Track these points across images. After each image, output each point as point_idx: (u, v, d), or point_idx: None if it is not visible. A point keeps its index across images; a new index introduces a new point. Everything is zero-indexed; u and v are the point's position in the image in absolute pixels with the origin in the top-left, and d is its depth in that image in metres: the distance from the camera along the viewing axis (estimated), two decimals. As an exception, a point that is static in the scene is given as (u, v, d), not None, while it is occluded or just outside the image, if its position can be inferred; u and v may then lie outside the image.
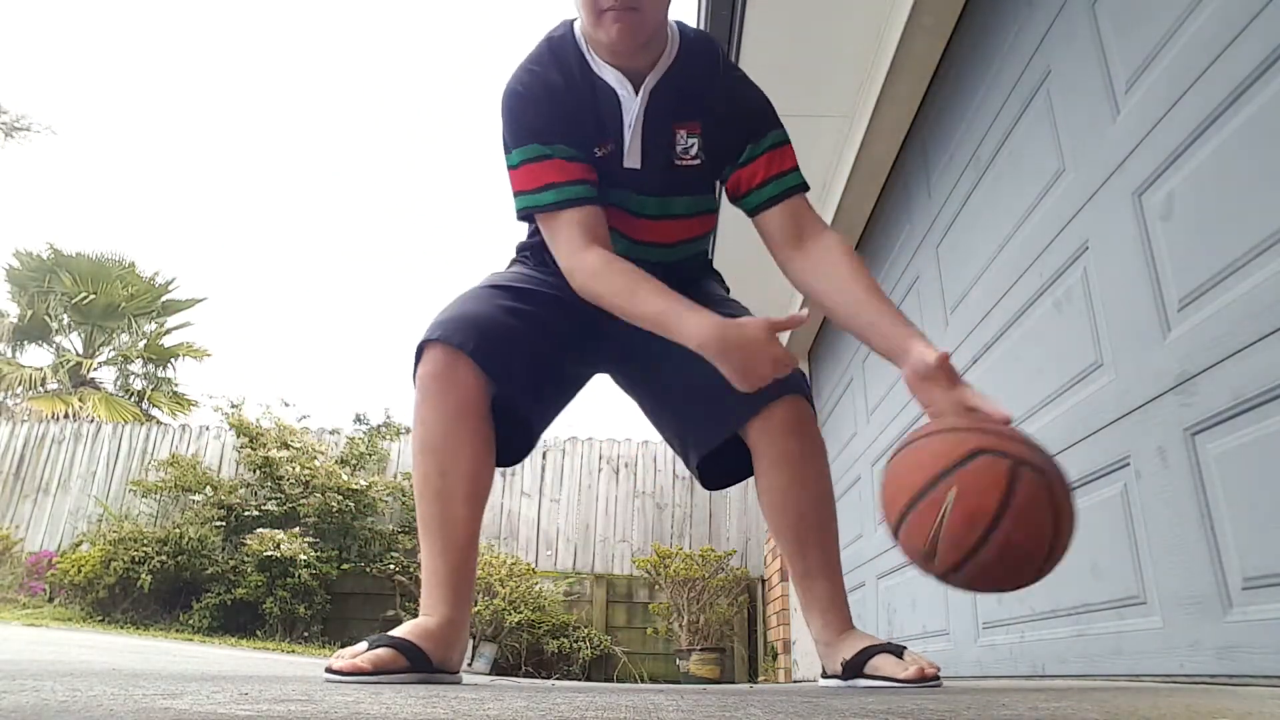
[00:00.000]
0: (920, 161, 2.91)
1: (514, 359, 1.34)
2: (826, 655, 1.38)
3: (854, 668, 1.29)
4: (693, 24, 3.08)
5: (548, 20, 1.44)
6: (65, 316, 10.83)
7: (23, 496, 7.30)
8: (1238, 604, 1.30)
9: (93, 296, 10.54)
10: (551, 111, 1.34)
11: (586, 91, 1.35)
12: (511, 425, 1.41)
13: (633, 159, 1.37)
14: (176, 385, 11.38)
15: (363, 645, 1.19)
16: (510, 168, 1.36)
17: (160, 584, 5.94)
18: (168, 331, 11.40)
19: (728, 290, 1.63)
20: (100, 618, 5.86)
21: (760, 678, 5.50)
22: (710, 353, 1.20)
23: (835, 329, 4.17)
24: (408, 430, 7.55)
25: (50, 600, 6.29)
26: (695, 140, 1.39)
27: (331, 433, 7.50)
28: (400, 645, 1.20)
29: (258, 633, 5.89)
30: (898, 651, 1.28)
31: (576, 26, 1.38)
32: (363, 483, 6.60)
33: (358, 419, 7.56)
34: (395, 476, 7.05)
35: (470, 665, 5.68)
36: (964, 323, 2.46)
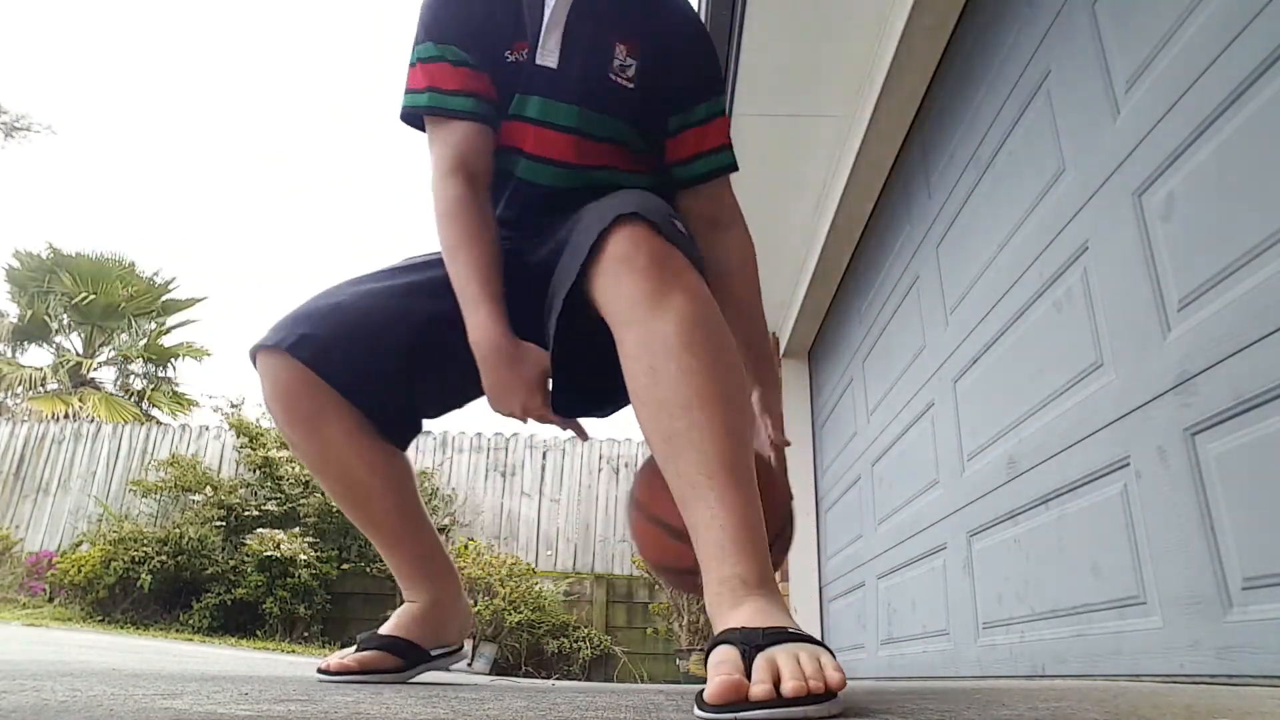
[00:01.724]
0: (920, 161, 2.91)
1: (355, 344, 1.17)
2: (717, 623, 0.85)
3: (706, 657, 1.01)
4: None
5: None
6: (65, 316, 10.83)
7: (23, 496, 7.30)
8: (1238, 604, 1.30)
9: (93, 296, 10.54)
10: (459, 10, 1.20)
11: None
12: (391, 407, 1.24)
13: (548, 56, 1.20)
14: (176, 385, 11.38)
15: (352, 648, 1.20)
16: (409, 65, 1.21)
17: (160, 584, 5.94)
18: (167, 331, 11.40)
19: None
20: (100, 618, 5.86)
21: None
22: (477, 356, 1.09)
23: (835, 330, 4.18)
24: (408, 430, 7.56)
25: (50, 600, 6.29)
26: (634, 63, 1.24)
27: (331, 433, 7.49)
28: (389, 645, 1.20)
29: (258, 633, 5.89)
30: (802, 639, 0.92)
31: None
32: (363, 483, 6.59)
33: (358, 419, 7.55)
34: (395, 476, 7.05)
35: (470, 665, 5.68)
36: (964, 323, 2.46)
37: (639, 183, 1.23)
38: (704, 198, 1.29)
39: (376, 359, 1.19)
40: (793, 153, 3.36)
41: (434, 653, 1.27)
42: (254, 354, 1.18)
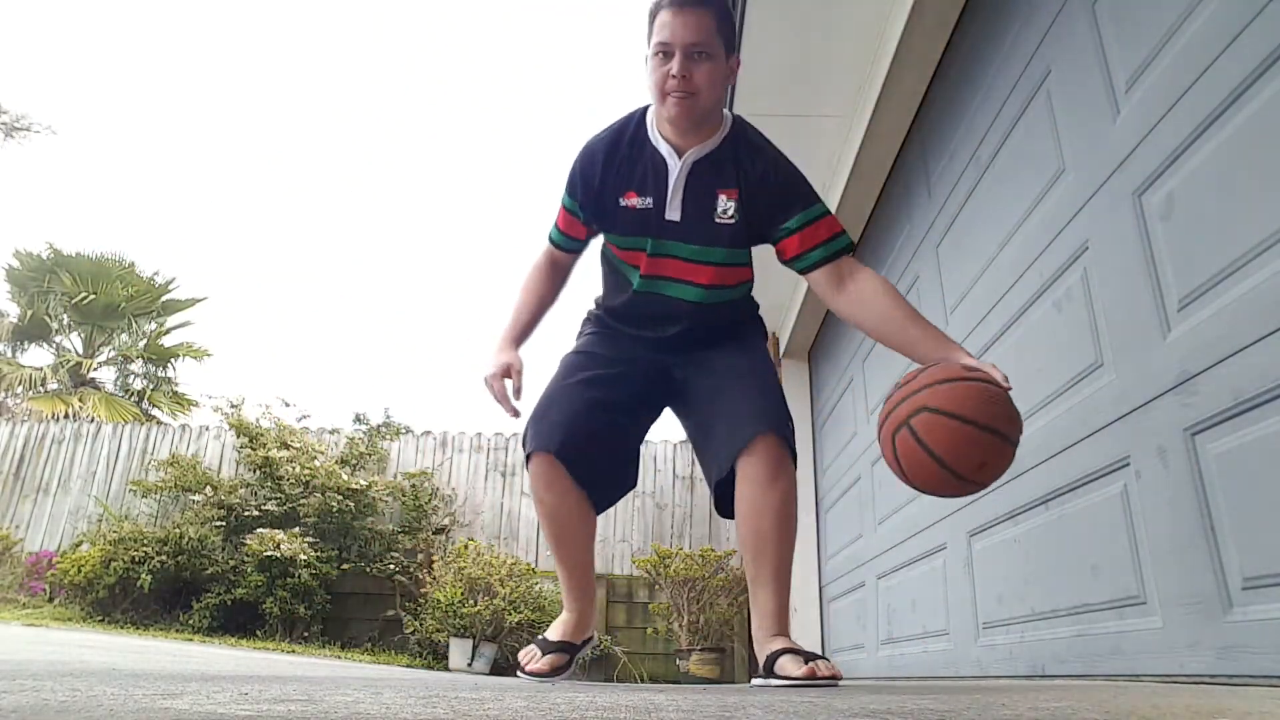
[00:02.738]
0: (920, 161, 2.91)
1: (594, 455, 1.78)
2: (758, 653, 1.67)
3: (766, 667, 1.59)
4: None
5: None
6: (65, 316, 10.83)
7: (23, 496, 7.30)
8: (1238, 604, 1.30)
9: (93, 296, 10.54)
10: (589, 180, 1.75)
11: (634, 155, 1.73)
12: (602, 486, 1.85)
13: (673, 212, 1.71)
14: (176, 385, 11.38)
15: (534, 650, 1.84)
16: (561, 202, 1.86)
17: (160, 584, 5.94)
18: (167, 331, 11.40)
19: (765, 336, 1.97)
20: (100, 618, 5.86)
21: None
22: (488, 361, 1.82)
23: (835, 330, 4.17)
24: (407, 430, 7.56)
25: (50, 600, 6.29)
26: (733, 204, 1.71)
27: (331, 433, 7.49)
28: (561, 647, 1.84)
29: (258, 633, 5.89)
30: (805, 656, 1.55)
31: (650, 110, 1.74)
32: (363, 483, 6.59)
33: (358, 419, 7.56)
34: (395, 476, 7.05)
35: (470, 665, 5.68)
36: (964, 323, 2.46)
37: (724, 296, 1.83)
38: (826, 272, 1.70)
39: (600, 465, 1.81)
40: (793, 153, 3.34)
41: (580, 644, 1.90)
42: (530, 454, 1.77)
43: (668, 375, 1.85)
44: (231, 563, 6.17)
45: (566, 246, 1.88)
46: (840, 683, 1.51)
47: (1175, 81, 1.50)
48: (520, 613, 5.83)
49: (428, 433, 7.55)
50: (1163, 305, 1.52)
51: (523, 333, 1.87)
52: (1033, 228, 2.04)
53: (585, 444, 1.75)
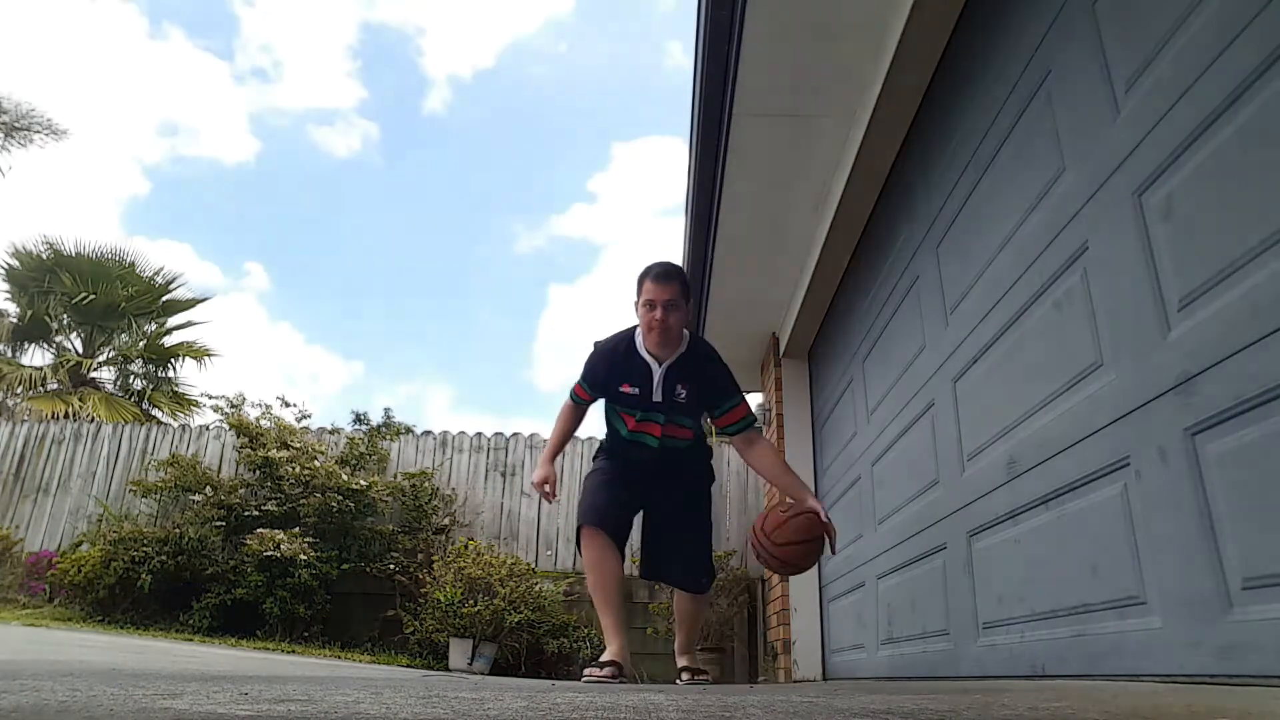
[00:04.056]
0: (920, 161, 2.91)
1: (620, 521, 2.91)
2: (677, 663, 3.17)
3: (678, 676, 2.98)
4: (693, 26, 3.06)
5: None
6: (65, 316, 10.83)
7: (23, 496, 7.30)
8: (1238, 604, 1.30)
9: (93, 296, 10.53)
10: (599, 373, 2.89)
11: (629, 360, 2.81)
12: (621, 539, 2.92)
13: (657, 398, 2.80)
14: (177, 385, 11.37)
15: (593, 669, 2.63)
16: (577, 381, 2.99)
17: (160, 584, 5.94)
18: (168, 331, 11.39)
19: (712, 479, 3.18)
20: (100, 618, 5.86)
21: (760, 678, 5.49)
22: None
23: (835, 330, 4.17)
24: (407, 430, 7.56)
25: (50, 600, 6.29)
26: (685, 391, 2.80)
27: (331, 433, 7.50)
28: (614, 663, 2.63)
29: (258, 633, 5.88)
30: (693, 672, 3.05)
31: (636, 332, 2.83)
32: (363, 483, 6.59)
33: (358, 419, 7.56)
34: (395, 476, 7.05)
35: (470, 665, 5.68)
36: (964, 323, 2.46)
37: (691, 448, 3.02)
38: (741, 438, 2.87)
39: (621, 529, 2.91)
40: (793, 153, 3.36)
41: (624, 667, 2.69)
42: (581, 526, 2.86)
43: (649, 487, 2.98)
44: (231, 563, 6.17)
45: (581, 404, 3.02)
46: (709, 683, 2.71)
47: (1175, 81, 1.50)
48: (520, 613, 5.83)
49: (428, 433, 7.55)
50: (1163, 305, 1.52)
51: (554, 453, 3.01)
52: (1033, 228, 2.04)
53: (614, 518, 2.87)
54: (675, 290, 2.71)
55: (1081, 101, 1.84)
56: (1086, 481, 1.76)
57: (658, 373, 2.77)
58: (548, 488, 2.91)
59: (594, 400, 2.99)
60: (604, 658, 2.66)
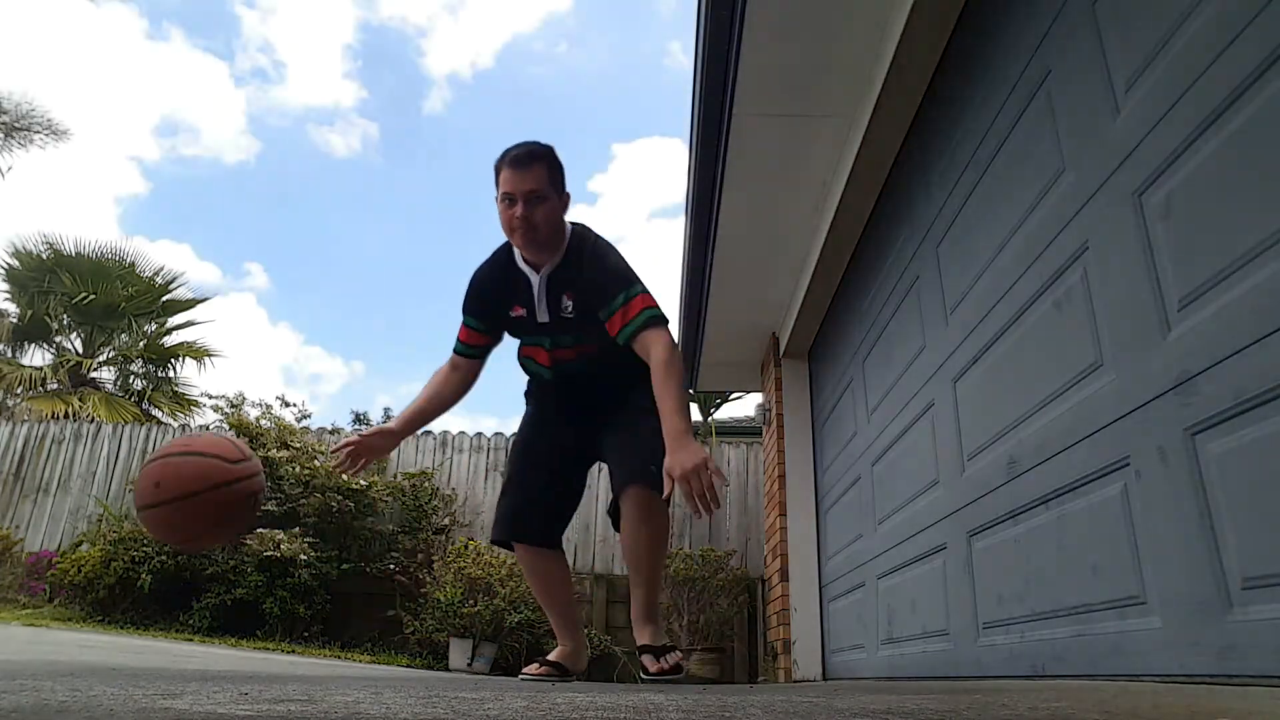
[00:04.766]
0: (920, 161, 2.91)
1: (543, 519, 2.45)
2: (635, 636, 2.35)
3: (638, 653, 2.27)
4: (693, 26, 3.05)
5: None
6: (65, 316, 10.82)
7: (23, 496, 7.30)
8: (1238, 604, 1.30)
9: (93, 296, 10.53)
10: (478, 302, 2.36)
11: (509, 278, 2.30)
12: (560, 530, 2.51)
13: (542, 316, 2.29)
14: (177, 385, 11.37)
15: (535, 665, 2.37)
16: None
17: (160, 584, 5.94)
18: (168, 331, 11.39)
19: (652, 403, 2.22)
20: (100, 618, 5.86)
21: (760, 678, 5.49)
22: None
23: (835, 330, 4.17)
24: (408, 430, 7.55)
25: (50, 600, 6.29)
26: (571, 302, 2.26)
27: (331, 432, 7.49)
28: (558, 666, 2.35)
29: (258, 633, 5.88)
30: (657, 651, 2.23)
31: None
32: (363, 483, 6.59)
33: (357, 419, 7.56)
34: (395, 476, 7.05)
35: (470, 665, 5.68)
36: (964, 323, 2.46)
37: (608, 370, 2.35)
38: (637, 344, 2.16)
39: (555, 523, 2.48)
40: (793, 153, 3.36)
41: (572, 671, 2.39)
42: (500, 541, 2.48)
43: (589, 428, 2.41)
44: (231, 563, 6.17)
45: (466, 353, 2.43)
46: (681, 672, 2.23)
47: (1175, 81, 1.50)
48: (520, 613, 5.83)
49: (428, 433, 7.55)
50: (1163, 305, 1.52)
51: (409, 421, 2.42)
52: (1033, 228, 2.04)
53: (540, 521, 2.43)
54: (540, 177, 2.13)
55: (1081, 101, 1.84)
56: (1086, 481, 1.76)
57: (537, 284, 2.23)
58: (348, 454, 2.26)
59: (485, 344, 2.39)
60: (550, 656, 2.41)
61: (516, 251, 2.25)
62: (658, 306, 2.18)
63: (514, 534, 2.38)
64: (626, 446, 2.26)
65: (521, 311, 2.27)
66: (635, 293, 2.16)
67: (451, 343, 2.45)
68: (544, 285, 2.23)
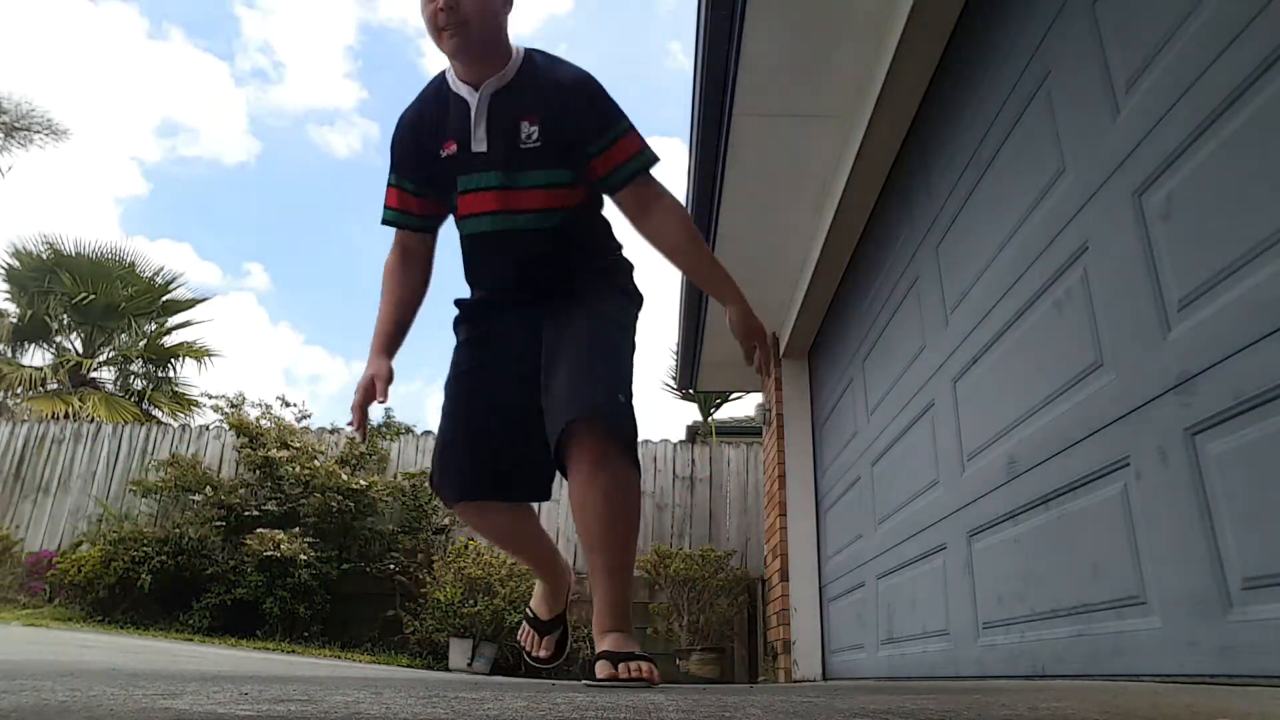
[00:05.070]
0: (920, 161, 2.91)
1: (505, 470, 1.79)
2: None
3: (592, 668, 1.58)
4: (693, 26, 3.05)
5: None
6: (65, 316, 10.82)
7: (23, 496, 7.30)
8: (1238, 604, 1.30)
9: (93, 296, 10.52)
10: (406, 146, 1.79)
11: (441, 108, 1.75)
12: (526, 484, 1.83)
13: (479, 145, 1.71)
14: (177, 385, 11.37)
15: (531, 633, 2.18)
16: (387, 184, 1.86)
17: (160, 584, 5.94)
18: (168, 331, 11.39)
19: (625, 292, 1.85)
20: (100, 618, 5.86)
21: (760, 678, 5.50)
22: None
23: (835, 330, 4.17)
24: (407, 430, 7.56)
25: (50, 600, 6.29)
26: (535, 129, 1.69)
27: (331, 432, 7.49)
28: (554, 624, 2.20)
29: (258, 633, 5.88)
30: (617, 659, 1.52)
31: (448, 65, 1.76)
32: (363, 483, 6.59)
33: (358, 419, 7.55)
34: (395, 476, 7.05)
35: (470, 665, 5.68)
36: (964, 323, 2.46)
37: (555, 221, 1.74)
38: (630, 194, 1.74)
39: (515, 475, 1.80)
40: (793, 153, 3.36)
41: (563, 613, 2.12)
42: (444, 502, 1.89)
43: (520, 353, 1.77)
44: (231, 563, 6.17)
45: (408, 224, 1.84)
46: (654, 684, 1.49)
47: (1175, 81, 1.50)
48: (520, 612, 5.83)
49: (428, 433, 7.55)
50: (1163, 305, 1.52)
51: (389, 338, 1.84)
52: (1033, 228, 2.04)
53: (491, 475, 1.79)
54: None
55: (1081, 101, 1.84)
56: (1086, 481, 1.76)
57: (475, 104, 1.69)
58: (365, 399, 1.74)
59: (428, 213, 1.83)
60: (540, 610, 2.15)
61: (450, 74, 1.76)
62: (651, 150, 1.75)
63: (459, 492, 1.80)
64: (578, 369, 1.63)
65: (453, 147, 1.72)
66: (627, 127, 1.73)
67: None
68: (485, 106, 1.69)
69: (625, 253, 1.91)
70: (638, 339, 1.83)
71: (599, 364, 1.65)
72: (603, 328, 1.72)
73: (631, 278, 1.89)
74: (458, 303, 1.89)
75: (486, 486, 1.79)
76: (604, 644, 1.56)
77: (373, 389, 1.73)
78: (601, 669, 1.51)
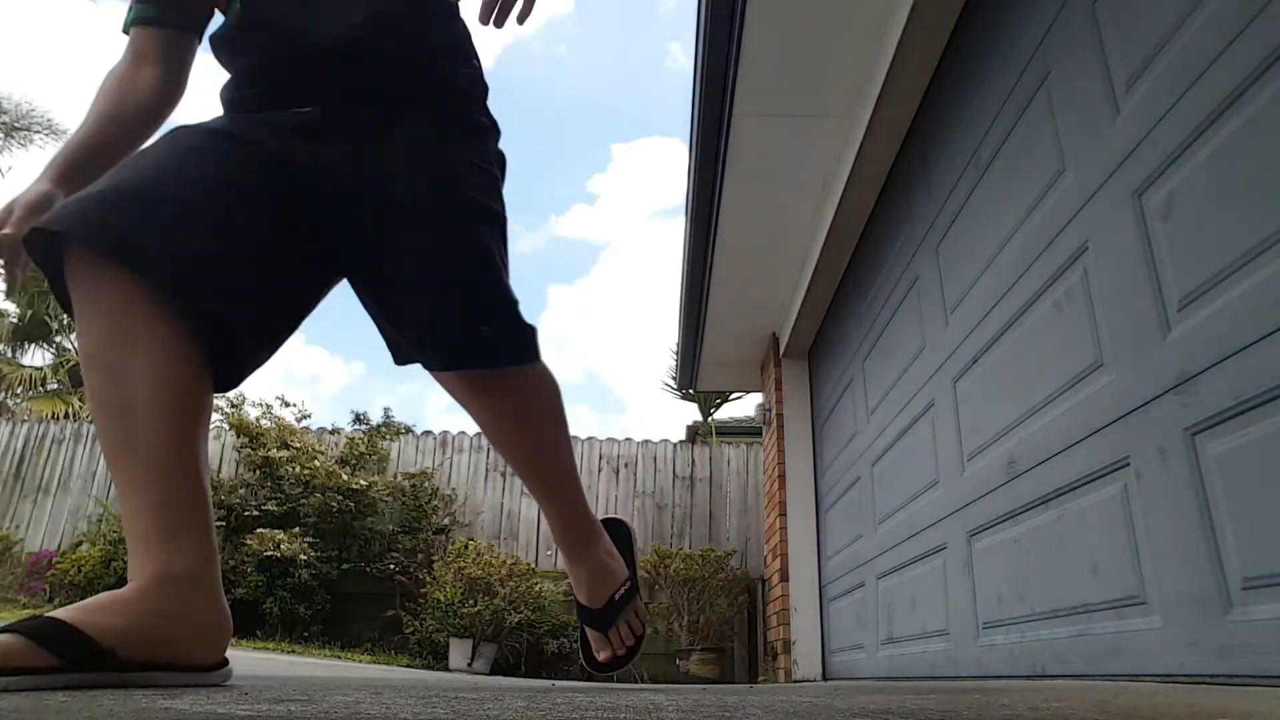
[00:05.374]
0: (920, 161, 2.91)
1: (218, 270, 1.10)
2: (574, 588, 1.46)
3: (585, 647, 1.47)
4: (693, 26, 3.04)
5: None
6: (65, 316, 10.82)
7: (23, 496, 7.30)
8: (1238, 604, 1.30)
9: (93, 296, 10.52)
10: None
11: None
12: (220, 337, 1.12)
13: None
14: (176, 385, 11.36)
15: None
16: None
17: (160, 584, 5.94)
18: (168, 331, 11.38)
19: (477, 134, 1.25)
20: (100, 618, 5.85)
21: (760, 678, 5.50)
22: None
23: (835, 330, 4.17)
24: (407, 430, 7.55)
25: (50, 600, 6.29)
26: None
27: (331, 433, 7.49)
28: (37, 631, 0.81)
29: (258, 633, 5.89)
30: (604, 619, 1.38)
31: None
32: (363, 483, 6.59)
33: (357, 419, 7.55)
34: (395, 476, 7.05)
35: (470, 665, 5.68)
36: (964, 323, 2.46)
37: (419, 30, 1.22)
38: None
39: (213, 256, 1.11)
40: (793, 153, 3.36)
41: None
42: (63, 248, 1.12)
43: (325, 199, 1.16)
44: (231, 563, 6.17)
45: (152, 18, 1.27)
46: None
47: (1175, 81, 1.50)
48: (520, 613, 5.83)
49: (428, 433, 7.55)
50: (1163, 305, 1.52)
51: (68, 159, 1.18)
52: (1033, 228, 2.04)
53: (193, 245, 1.06)
54: None
55: (1081, 101, 1.84)
56: (1086, 481, 1.76)
57: None
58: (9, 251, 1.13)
59: (156, 5, 1.29)
60: (71, 608, 0.94)
61: None
62: None
63: (118, 233, 1.06)
64: (434, 295, 1.15)
65: None
66: None
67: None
68: None
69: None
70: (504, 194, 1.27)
71: (469, 289, 1.15)
72: (467, 216, 1.17)
73: (487, 107, 1.29)
74: (222, 111, 1.31)
75: (145, 229, 1.05)
76: (579, 581, 1.41)
77: (8, 214, 1.13)
78: (597, 643, 1.44)
